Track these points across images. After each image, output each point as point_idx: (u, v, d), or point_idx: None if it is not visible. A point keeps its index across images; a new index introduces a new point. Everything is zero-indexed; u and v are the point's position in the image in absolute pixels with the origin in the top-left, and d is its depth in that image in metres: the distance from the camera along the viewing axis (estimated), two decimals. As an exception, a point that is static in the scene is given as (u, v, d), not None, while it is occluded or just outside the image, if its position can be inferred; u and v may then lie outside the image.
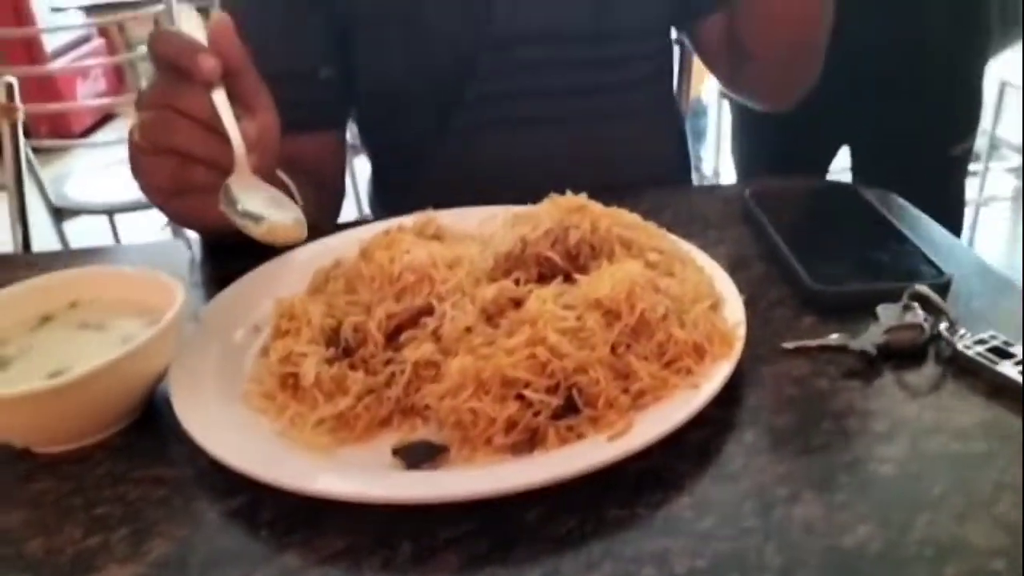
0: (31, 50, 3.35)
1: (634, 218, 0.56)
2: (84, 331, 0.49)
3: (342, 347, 0.49)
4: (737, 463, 0.42)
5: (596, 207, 0.54)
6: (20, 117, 0.99)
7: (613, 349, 0.44)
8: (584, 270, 0.50)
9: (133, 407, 0.47)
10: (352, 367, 0.48)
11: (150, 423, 0.48)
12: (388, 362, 0.47)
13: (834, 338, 0.50)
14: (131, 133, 0.55)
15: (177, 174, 0.54)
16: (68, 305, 0.52)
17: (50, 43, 3.49)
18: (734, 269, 0.55)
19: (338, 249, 0.60)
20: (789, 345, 0.50)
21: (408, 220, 0.61)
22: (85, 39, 3.79)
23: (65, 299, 0.52)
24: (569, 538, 0.38)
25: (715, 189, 0.72)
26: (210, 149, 0.53)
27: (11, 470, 0.45)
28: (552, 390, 0.43)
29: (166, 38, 0.53)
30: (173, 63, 0.52)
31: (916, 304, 0.51)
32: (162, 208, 0.58)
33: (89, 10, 3.11)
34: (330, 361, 0.48)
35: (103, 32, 3.85)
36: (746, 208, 0.67)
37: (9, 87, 1.02)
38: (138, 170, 0.56)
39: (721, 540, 0.37)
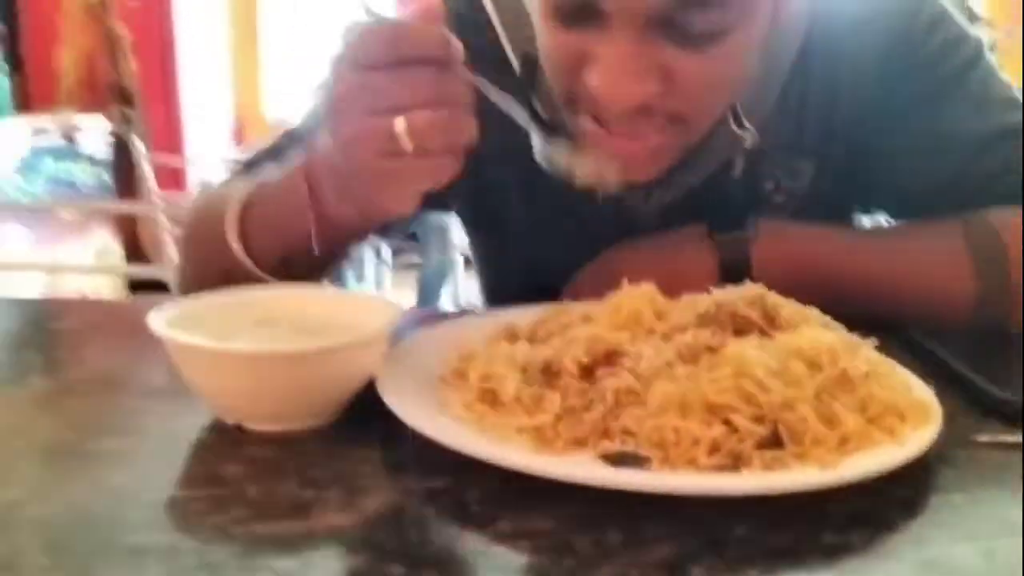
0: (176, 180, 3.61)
1: (812, 310, 0.57)
2: (301, 333, 0.54)
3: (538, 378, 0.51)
4: (949, 513, 0.41)
5: (775, 295, 0.57)
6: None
7: (816, 396, 0.45)
8: (780, 330, 0.52)
9: (337, 399, 0.50)
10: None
11: (350, 421, 0.50)
12: (584, 392, 0.49)
13: (1032, 435, 0.49)
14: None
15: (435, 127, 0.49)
16: (291, 315, 0.56)
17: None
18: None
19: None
20: (983, 438, 0.50)
21: None
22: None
23: (286, 309, 0.56)
24: (786, 553, 0.37)
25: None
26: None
27: (226, 437, 0.48)
28: (757, 420, 0.44)
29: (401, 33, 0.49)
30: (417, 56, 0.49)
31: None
32: (352, 172, 0.54)
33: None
34: (527, 383, 0.50)
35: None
36: (907, 337, 0.68)
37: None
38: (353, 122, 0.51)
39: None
